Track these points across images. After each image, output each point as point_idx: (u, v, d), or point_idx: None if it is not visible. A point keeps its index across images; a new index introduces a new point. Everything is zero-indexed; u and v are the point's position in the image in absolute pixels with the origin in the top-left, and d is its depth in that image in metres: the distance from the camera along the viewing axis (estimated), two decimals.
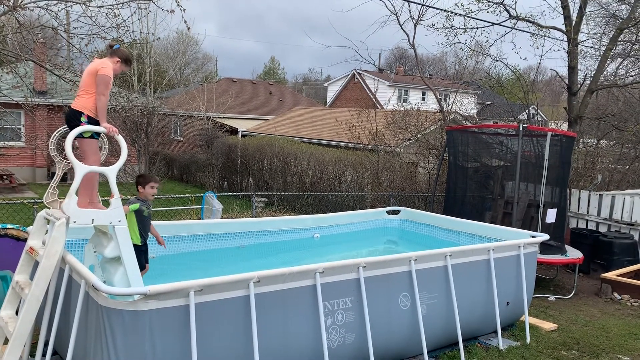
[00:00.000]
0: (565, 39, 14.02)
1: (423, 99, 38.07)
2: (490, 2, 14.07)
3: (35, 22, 10.09)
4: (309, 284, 4.66)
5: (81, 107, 4.74)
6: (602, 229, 11.85)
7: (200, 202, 11.15)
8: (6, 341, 4.41)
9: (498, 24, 14.50)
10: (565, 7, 13.86)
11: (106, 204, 4.66)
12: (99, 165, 4.77)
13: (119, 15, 9.22)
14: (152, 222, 5.55)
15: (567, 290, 9.63)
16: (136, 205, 5.20)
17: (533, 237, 6.99)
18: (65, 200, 4.36)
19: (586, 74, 15.13)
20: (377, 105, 27.19)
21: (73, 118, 4.72)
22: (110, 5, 8.99)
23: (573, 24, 13.74)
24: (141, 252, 5.25)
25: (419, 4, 14.60)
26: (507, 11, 14.15)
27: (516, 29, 14.59)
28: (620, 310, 8.51)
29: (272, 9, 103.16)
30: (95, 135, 4.79)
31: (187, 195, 13.05)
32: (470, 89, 29.27)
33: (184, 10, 9.24)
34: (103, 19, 9.22)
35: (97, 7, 8.93)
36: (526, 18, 14.25)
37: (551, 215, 9.50)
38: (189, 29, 10.07)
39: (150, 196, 5.38)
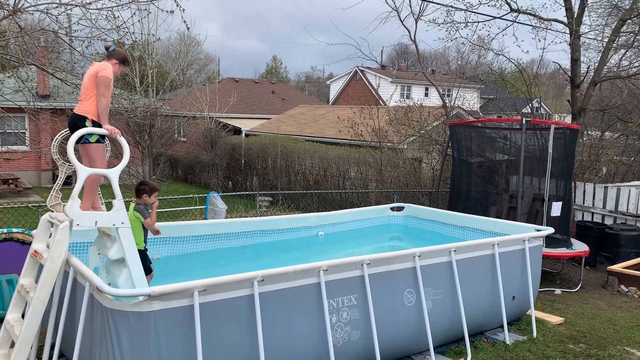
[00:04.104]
0: (567, 31, 13.96)
1: (426, 94, 37.99)
2: None
3: (36, 26, 10.10)
4: (314, 282, 4.66)
5: (84, 112, 4.72)
6: (608, 221, 11.80)
7: (205, 202, 11.16)
8: (13, 344, 4.43)
9: (499, 18, 14.46)
10: None
11: (109, 206, 4.67)
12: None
13: (118, 17, 9.23)
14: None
15: (573, 283, 9.60)
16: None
17: (538, 230, 6.96)
18: (68, 203, 4.37)
19: (589, 66, 15.07)
20: (380, 101, 27.09)
21: (77, 123, 4.69)
22: (109, 8, 8.99)
23: (575, 16, 13.69)
24: (146, 256, 5.26)
25: None
26: (508, 4, 14.11)
27: (517, 22, 14.56)
28: (627, 302, 8.47)
29: (274, 8, 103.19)
30: (101, 140, 4.77)
31: (191, 195, 13.06)
32: (473, 83, 29.11)
33: (184, 10, 9.25)
34: (103, 21, 9.24)
35: (97, 9, 8.94)
36: (527, 11, 14.20)
37: (556, 209, 9.46)
38: (188, 29, 10.07)
39: (151, 203, 5.39)
